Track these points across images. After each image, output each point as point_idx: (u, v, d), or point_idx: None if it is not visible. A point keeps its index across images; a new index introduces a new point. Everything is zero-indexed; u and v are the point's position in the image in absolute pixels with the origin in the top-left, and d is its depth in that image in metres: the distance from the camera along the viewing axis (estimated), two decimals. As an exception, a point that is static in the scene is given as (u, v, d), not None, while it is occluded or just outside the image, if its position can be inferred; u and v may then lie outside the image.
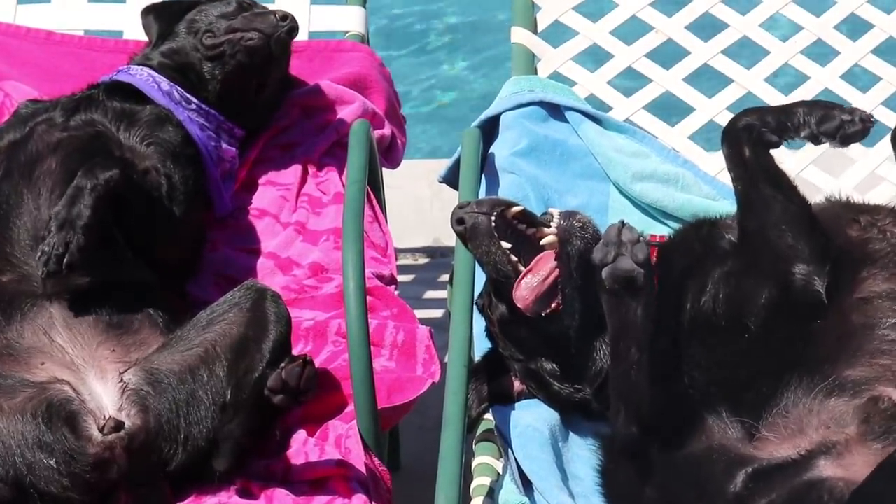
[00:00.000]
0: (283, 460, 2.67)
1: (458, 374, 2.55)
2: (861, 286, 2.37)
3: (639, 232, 2.39)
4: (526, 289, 2.57)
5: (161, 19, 3.26)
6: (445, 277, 3.46)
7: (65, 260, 2.63)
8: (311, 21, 3.58)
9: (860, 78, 3.37)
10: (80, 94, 3.08)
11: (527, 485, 2.51)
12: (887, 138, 2.80)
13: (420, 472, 2.65)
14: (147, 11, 3.30)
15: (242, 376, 2.61)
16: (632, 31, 3.45)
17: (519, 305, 2.59)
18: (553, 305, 2.59)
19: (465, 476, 2.47)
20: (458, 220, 2.61)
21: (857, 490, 2.05)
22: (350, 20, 3.62)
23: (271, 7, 3.30)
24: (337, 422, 2.71)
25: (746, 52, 3.42)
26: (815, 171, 3.02)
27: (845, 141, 2.46)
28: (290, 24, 3.18)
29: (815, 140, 2.46)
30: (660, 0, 3.46)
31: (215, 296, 2.84)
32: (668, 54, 3.42)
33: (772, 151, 2.48)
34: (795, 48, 3.37)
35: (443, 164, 3.27)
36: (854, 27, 3.42)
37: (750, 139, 2.46)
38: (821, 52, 3.40)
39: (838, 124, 2.44)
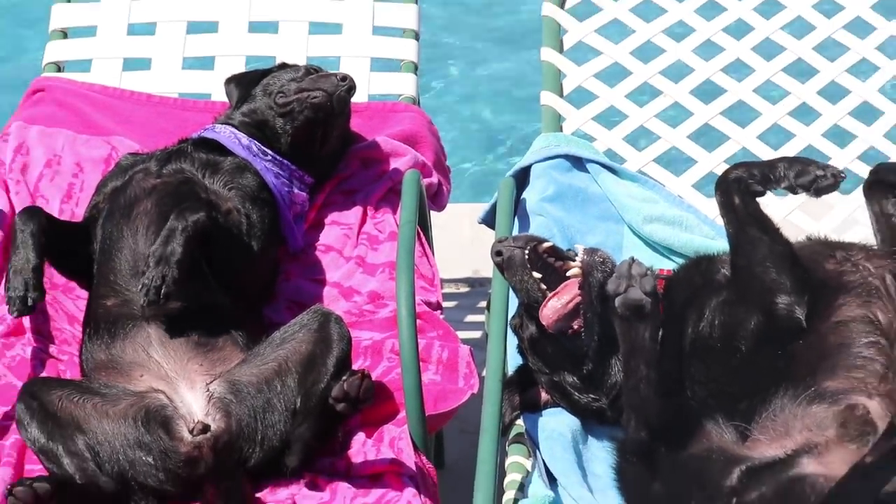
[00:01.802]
0: (345, 458, 2.72)
1: (493, 387, 2.59)
2: (837, 312, 2.41)
3: (647, 266, 2.44)
4: (551, 310, 2.62)
5: (240, 86, 3.30)
6: (483, 304, 3.47)
7: (162, 291, 2.68)
8: (371, 85, 3.61)
9: (839, 136, 3.37)
10: (172, 148, 3.13)
11: (552, 481, 2.55)
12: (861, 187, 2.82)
13: (461, 470, 2.67)
14: (228, 81, 3.35)
15: (310, 387, 2.66)
16: (643, 94, 3.46)
17: (544, 324, 2.63)
18: (575, 326, 2.63)
19: (500, 473, 2.51)
20: (496, 252, 2.67)
21: (836, 485, 2.08)
22: (404, 84, 3.63)
23: (337, 71, 3.33)
24: (391, 426, 2.75)
25: (741, 114, 3.43)
26: (799, 215, 3.02)
27: (818, 193, 2.50)
28: (349, 84, 3.21)
29: (793, 191, 2.52)
30: (668, 68, 3.47)
31: (288, 318, 2.89)
32: (674, 115, 3.42)
33: (758, 199, 2.53)
34: (784, 110, 3.38)
35: (482, 208, 3.29)
36: (834, 92, 3.41)
37: (739, 189, 2.51)
38: (806, 114, 3.40)
39: (812, 178, 2.49)
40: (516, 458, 2.63)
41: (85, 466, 2.60)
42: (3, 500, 2.49)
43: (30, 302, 2.83)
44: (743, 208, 2.49)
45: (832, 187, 2.51)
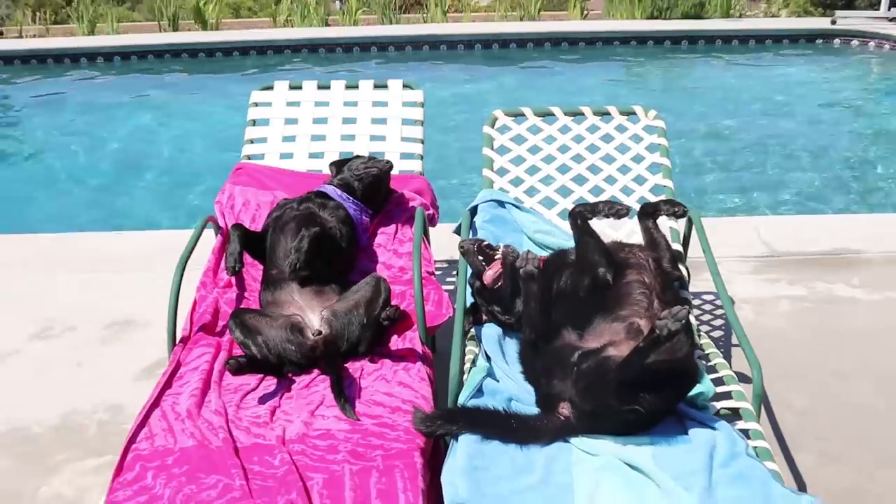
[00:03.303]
0: (387, 348, 2.72)
1: (459, 313, 2.63)
2: (626, 277, 2.43)
3: (535, 254, 2.46)
4: (487, 275, 2.66)
5: (337, 166, 3.29)
6: (455, 272, 3.48)
7: (297, 265, 2.71)
8: (400, 165, 3.59)
9: (626, 191, 3.38)
10: (303, 196, 3.10)
11: (488, 359, 2.55)
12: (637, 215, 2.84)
13: (444, 352, 2.66)
14: (331, 164, 3.34)
15: (371, 313, 2.67)
16: (532, 171, 3.46)
17: (485, 282, 2.65)
18: (500, 283, 2.65)
19: (462, 355, 2.53)
20: (460, 246, 2.71)
21: (623, 359, 2.11)
22: (415, 165, 3.62)
23: (383, 158, 3.33)
24: (409, 332, 2.74)
25: (578, 181, 3.44)
26: (609, 229, 3.02)
27: (618, 218, 2.55)
28: (389, 165, 3.23)
29: (607, 218, 2.53)
30: (543, 158, 3.48)
31: (359, 279, 2.85)
32: (547, 181, 3.43)
33: (589, 221, 2.55)
34: (600, 178, 3.40)
35: (454, 226, 3.29)
36: (624, 169, 3.42)
37: (580, 216, 2.54)
38: (611, 180, 3.41)
39: (616, 212, 2.51)
40: (470, 347, 2.63)
41: (262, 350, 2.60)
42: (224, 367, 2.53)
43: (236, 269, 2.84)
44: (581, 226, 2.52)
45: (628, 216, 2.58)
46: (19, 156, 8.15)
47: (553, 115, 3.58)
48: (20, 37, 13.51)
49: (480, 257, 2.70)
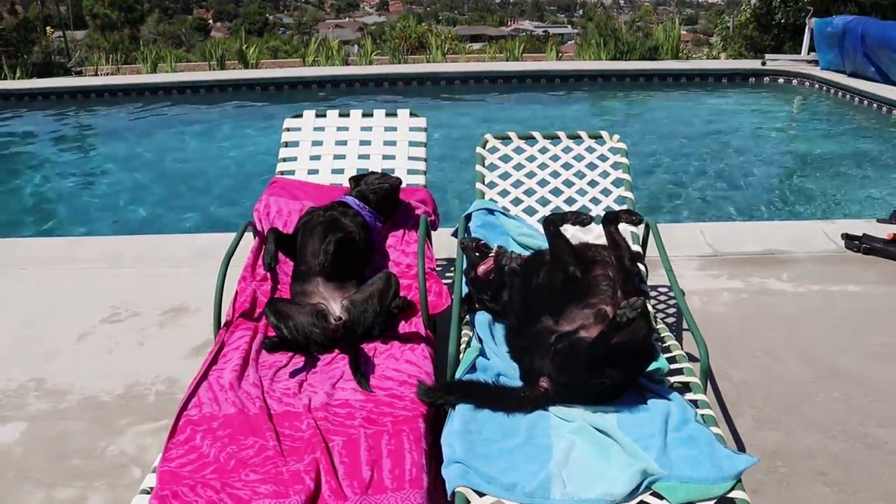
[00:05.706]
0: (396, 331, 2.68)
1: (456, 301, 2.58)
2: (593, 272, 2.39)
3: (518, 253, 2.43)
4: (481, 269, 2.62)
5: (355, 181, 3.25)
6: (452, 269, 3.44)
7: (325, 263, 2.68)
8: (407, 180, 3.54)
9: (595, 202, 3.34)
10: (328, 205, 3.05)
11: (480, 340, 2.51)
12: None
13: (444, 336, 2.63)
14: (350, 178, 3.29)
15: (383, 302, 2.63)
16: (516, 186, 3.43)
17: (479, 274, 2.62)
18: (491, 277, 2.61)
19: (458, 337, 2.48)
20: (461, 243, 2.71)
21: (591, 341, 2.07)
22: (419, 179, 3.58)
23: (392, 174, 3.31)
24: (415, 318, 2.71)
25: (555, 193, 3.40)
26: (578, 233, 2.99)
27: (583, 226, 2.51)
28: (399, 180, 3.18)
29: (574, 225, 2.50)
30: (526, 174, 3.45)
31: (373, 275, 2.81)
32: (528, 193, 3.39)
33: (560, 228, 2.51)
34: (573, 190, 3.36)
35: (452, 229, 3.26)
36: (592, 183, 3.38)
37: (552, 223, 2.49)
38: (582, 194, 3.38)
39: (582, 220, 2.48)
40: (465, 331, 2.59)
41: (292, 333, 2.56)
42: (260, 347, 2.50)
43: (271, 265, 2.80)
44: (553, 231, 2.48)
45: (593, 223, 2.52)
46: (92, 172, 8.14)
47: (534, 138, 3.55)
48: (96, 75, 13.53)
49: (477, 253, 2.69)
